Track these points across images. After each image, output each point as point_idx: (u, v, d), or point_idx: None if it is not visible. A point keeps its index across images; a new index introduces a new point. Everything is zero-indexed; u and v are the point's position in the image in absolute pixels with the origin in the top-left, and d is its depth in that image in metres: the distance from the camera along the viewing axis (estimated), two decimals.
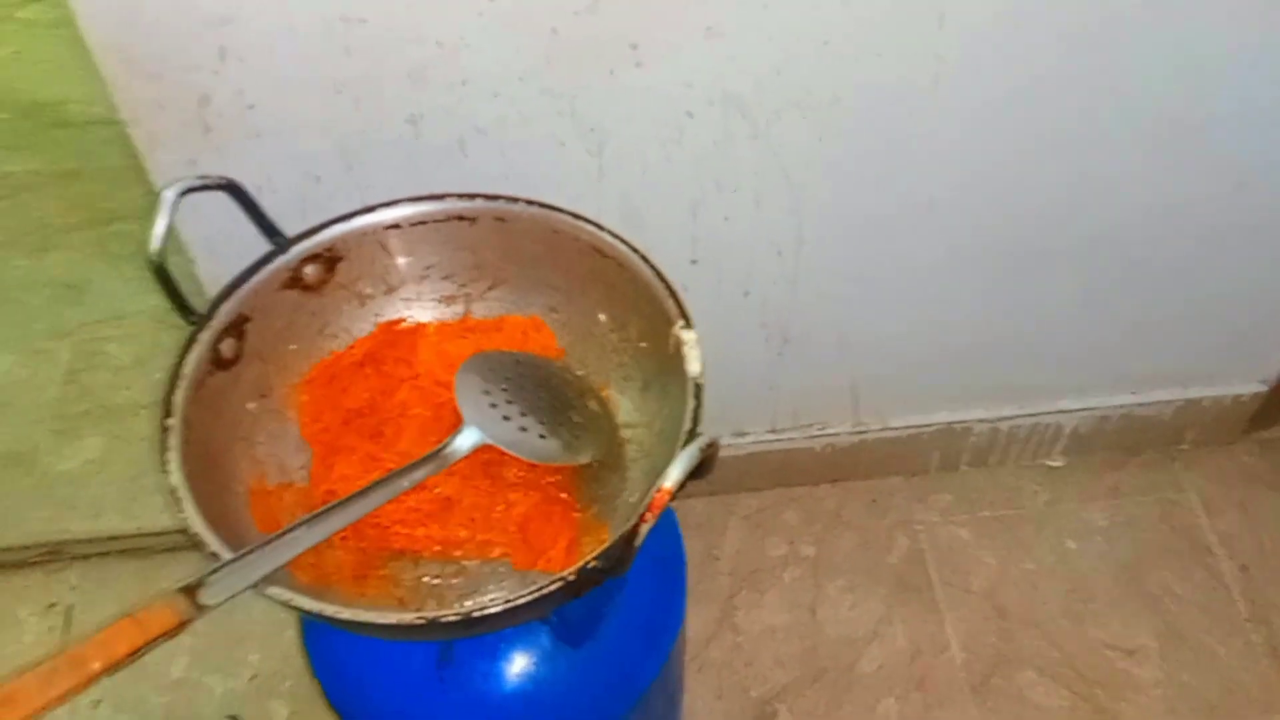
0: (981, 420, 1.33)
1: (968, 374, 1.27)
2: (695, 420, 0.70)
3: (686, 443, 0.68)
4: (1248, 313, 1.25)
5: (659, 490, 0.59)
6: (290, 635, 1.30)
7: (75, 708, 1.25)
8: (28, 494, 1.39)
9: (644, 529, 0.60)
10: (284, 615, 1.32)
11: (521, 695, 0.87)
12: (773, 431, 1.31)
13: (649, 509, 0.60)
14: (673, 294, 0.75)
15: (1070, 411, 1.34)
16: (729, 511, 1.39)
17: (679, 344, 0.74)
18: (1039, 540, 1.36)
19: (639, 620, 0.92)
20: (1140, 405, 1.35)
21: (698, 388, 0.71)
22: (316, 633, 0.94)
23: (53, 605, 1.33)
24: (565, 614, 0.85)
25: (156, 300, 1.56)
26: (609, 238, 0.79)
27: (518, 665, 0.87)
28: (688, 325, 0.74)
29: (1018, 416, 1.34)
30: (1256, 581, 1.32)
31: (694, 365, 0.72)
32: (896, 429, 1.33)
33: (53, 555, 1.36)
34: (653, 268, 0.77)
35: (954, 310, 1.18)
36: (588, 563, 0.64)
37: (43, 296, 1.60)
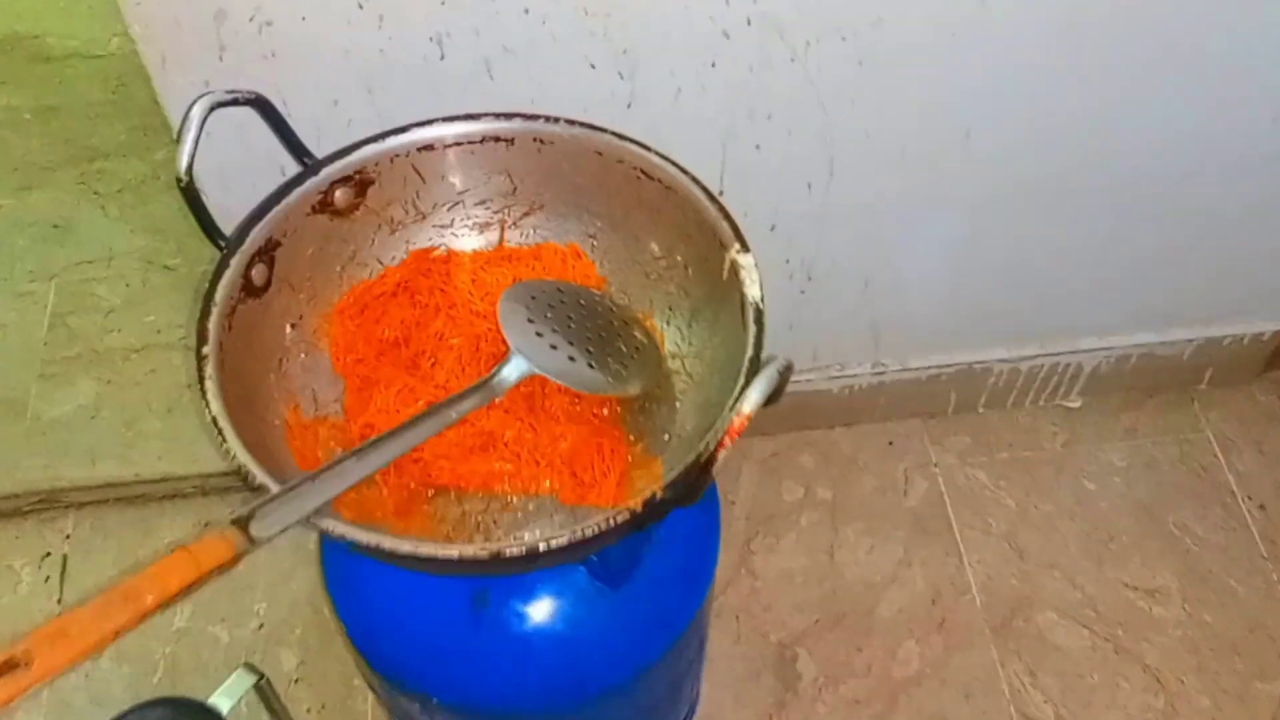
0: (1002, 361, 1.31)
1: (991, 313, 1.25)
2: (758, 347, 0.67)
3: (752, 370, 0.66)
4: (1272, 249, 1.23)
5: (738, 415, 0.56)
6: (296, 584, 1.27)
7: None
8: (19, 441, 1.34)
9: (722, 455, 0.57)
10: (289, 563, 1.28)
11: (558, 637, 0.85)
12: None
13: (727, 434, 0.57)
14: (727, 217, 0.72)
15: (1091, 351, 1.32)
16: (743, 455, 1.37)
17: (735, 269, 0.71)
18: (1057, 482, 1.35)
19: (676, 561, 0.89)
20: (1160, 344, 1.33)
21: (759, 313, 0.68)
22: (342, 577, 0.91)
23: (47, 555, 1.29)
24: (604, 555, 0.83)
25: (145, 240, 1.54)
26: (657, 159, 0.75)
27: (554, 607, 0.85)
28: (744, 249, 0.71)
29: (1038, 356, 1.32)
30: (1275, 520, 1.32)
31: (754, 289, 0.69)
32: (916, 370, 1.31)
33: (47, 504, 1.32)
34: (705, 190, 0.74)
35: (982, 247, 1.15)
36: (655, 493, 0.61)
37: (27, 237, 1.54)
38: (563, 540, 0.59)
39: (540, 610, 0.84)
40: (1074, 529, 1.32)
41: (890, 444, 1.38)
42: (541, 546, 0.59)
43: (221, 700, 1.01)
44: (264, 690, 1.06)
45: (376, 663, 0.88)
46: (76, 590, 1.26)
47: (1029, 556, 1.29)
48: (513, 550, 0.59)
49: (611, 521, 0.60)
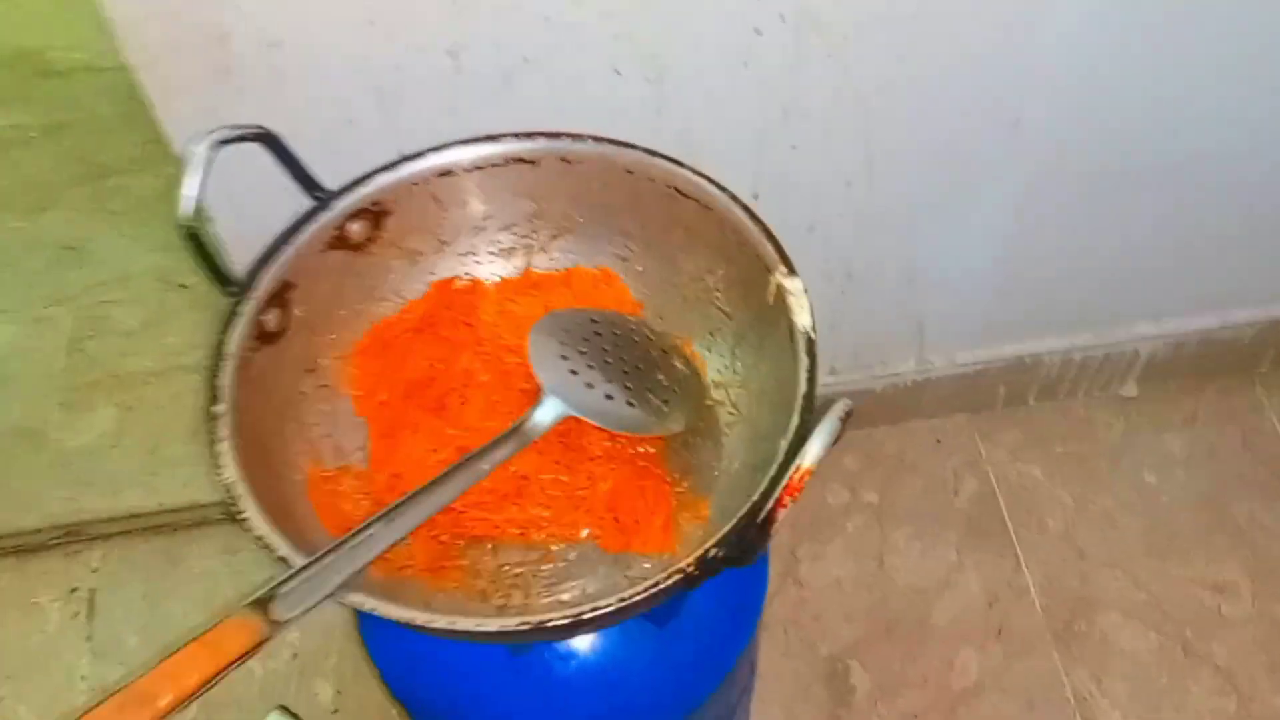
0: (1053, 351, 1.26)
1: (1041, 304, 1.19)
2: (811, 382, 0.62)
3: (806, 407, 0.61)
4: None
5: (798, 469, 0.51)
6: (329, 611, 1.23)
7: (104, 693, 1.18)
8: (40, 472, 1.31)
9: (782, 514, 0.52)
10: None
11: (602, 680, 0.80)
12: (831, 374, 1.23)
13: (787, 491, 0.52)
14: (771, 237, 0.67)
15: (1147, 338, 1.26)
16: None
17: (782, 294, 0.66)
18: (1115, 475, 1.29)
19: (725, 592, 0.85)
20: (1220, 328, 1.27)
21: (810, 343, 0.63)
22: (375, 620, 0.87)
23: (74, 590, 1.26)
24: None
25: (161, 259, 1.49)
26: (692, 175, 0.70)
27: (597, 647, 0.80)
28: (791, 272, 0.66)
29: (1091, 346, 1.26)
30: None
31: (803, 317, 0.64)
32: (963, 365, 1.26)
33: (71, 537, 1.28)
34: (745, 209, 0.68)
35: (1031, 238, 1.09)
36: (709, 550, 0.56)
37: (41, 260, 1.50)
38: (609, 608, 0.55)
39: (582, 651, 0.80)
40: (1135, 524, 1.26)
41: (938, 442, 1.33)
42: (587, 615, 0.54)
43: None
44: None
45: (414, 708, 0.84)
46: (107, 625, 1.23)
47: (1089, 555, 1.24)
48: (557, 621, 0.54)
49: (662, 585, 0.55)
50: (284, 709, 1.01)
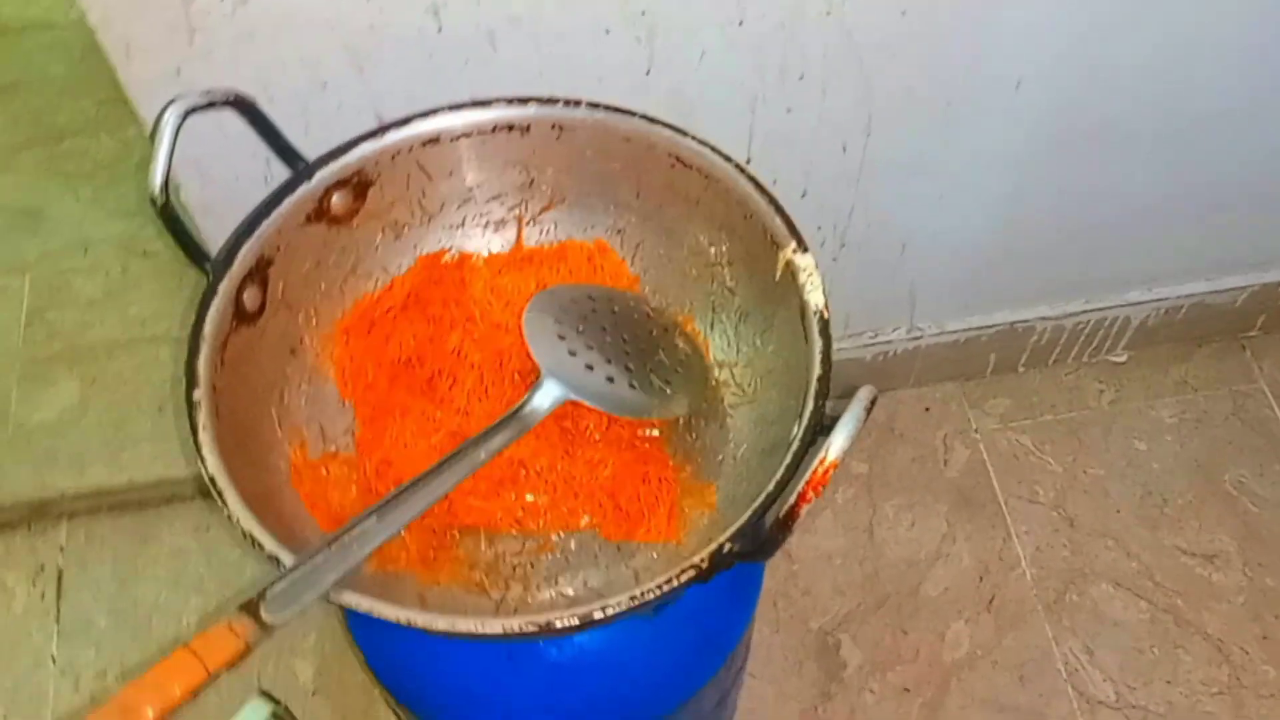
0: (1044, 318, 1.23)
1: (1036, 271, 1.17)
2: (826, 364, 0.59)
3: (820, 392, 0.58)
4: None
5: (822, 463, 0.48)
6: None
7: (81, 676, 1.15)
8: (2, 449, 1.26)
9: (805, 510, 0.49)
10: None
11: (598, 669, 0.78)
12: None
13: (810, 485, 0.48)
14: (779, 211, 0.64)
15: (1139, 304, 1.24)
16: None
17: (792, 270, 0.62)
18: (1106, 443, 1.28)
19: (724, 576, 0.82)
20: (1211, 293, 1.25)
21: (824, 322, 0.60)
22: (363, 620, 0.83)
23: (41, 570, 1.22)
24: None
25: (122, 225, 1.43)
26: (695, 144, 0.66)
27: (592, 636, 0.77)
28: (802, 248, 0.63)
29: (1083, 312, 1.23)
30: None
31: (816, 295, 0.61)
32: (954, 332, 1.23)
33: (37, 515, 1.24)
34: (752, 179, 0.65)
35: (1028, 203, 1.06)
36: (723, 545, 0.53)
37: None
38: (620, 607, 0.52)
39: (579, 641, 0.77)
40: (1125, 493, 1.25)
41: (927, 410, 1.30)
42: (597, 615, 0.51)
43: None
44: (281, 718, 1.00)
45: (404, 697, 0.81)
46: (74, 606, 1.19)
47: (1080, 525, 1.22)
48: (565, 622, 0.51)
49: (675, 581, 0.53)
50: (265, 694, 0.98)
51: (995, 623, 1.17)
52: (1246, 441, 1.27)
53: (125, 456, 1.25)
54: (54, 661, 1.16)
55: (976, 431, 1.29)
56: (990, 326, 1.23)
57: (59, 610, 1.19)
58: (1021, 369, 1.32)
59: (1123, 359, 1.33)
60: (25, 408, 1.29)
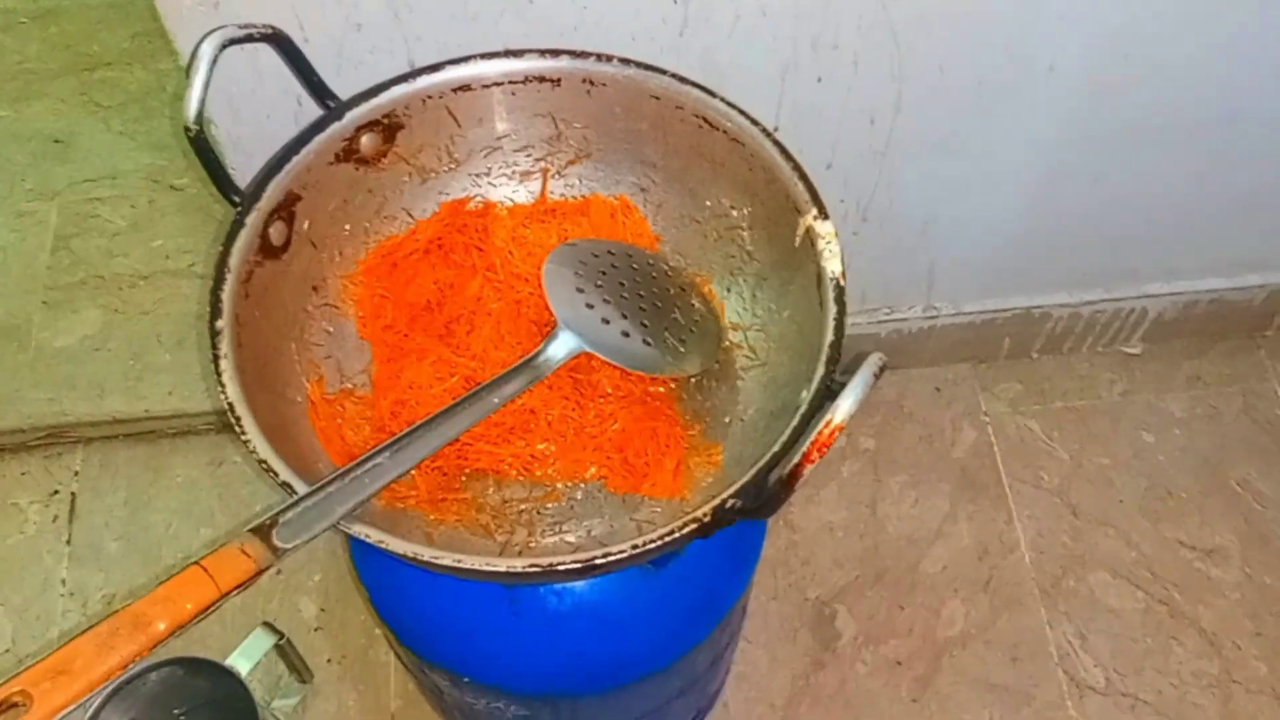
0: (1062, 305, 1.23)
1: (1057, 258, 1.17)
2: (839, 331, 0.60)
3: (833, 358, 0.58)
4: None
5: (828, 424, 0.49)
6: None
7: (89, 600, 1.17)
8: (23, 372, 1.27)
9: (809, 469, 0.50)
10: None
11: (599, 620, 0.79)
12: None
13: (815, 446, 0.49)
14: (803, 177, 0.64)
15: (1157, 296, 1.24)
16: None
17: (812, 237, 0.63)
18: (1114, 433, 1.28)
19: (726, 537, 0.83)
20: (1231, 290, 1.25)
21: (840, 290, 0.61)
22: (369, 547, 0.85)
23: (55, 493, 1.23)
24: None
25: (151, 158, 1.45)
26: (723, 106, 0.67)
27: (595, 588, 0.78)
28: (822, 215, 0.63)
29: (1101, 301, 1.23)
30: None
31: (833, 263, 0.62)
32: (970, 314, 1.23)
33: (53, 439, 1.26)
34: (777, 144, 0.66)
35: (1056, 189, 1.06)
36: (726, 500, 0.54)
37: (26, 152, 1.45)
38: (622, 554, 0.53)
39: (578, 588, 0.78)
40: (1130, 484, 1.25)
41: (937, 390, 1.31)
42: (599, 560, 0.53)
43: (240, 661, 0.96)
44: (284, 650, 1.02)
45: (406, 638, 0.82)
46: (87, 530, 1.20)
47: (1082, 513, 1.23)
48: (567, 565, 0.52)
49: (677, 533, 0.54)
50: (268, 625, 1.00)
51: (991, 603, 1.18)
52: (1255, 440, 1.27)
53: (143, 387, 1.27)
54: (63, 584, 1.18)
55: (986, 414, 1.29)
56: (1006, 310, 1.23)
57: (70, 533, 1.21)
58: (1035, 354, 1.32)
59: (1137, 351, 1.33)
60: (47, 333, 1.30)
